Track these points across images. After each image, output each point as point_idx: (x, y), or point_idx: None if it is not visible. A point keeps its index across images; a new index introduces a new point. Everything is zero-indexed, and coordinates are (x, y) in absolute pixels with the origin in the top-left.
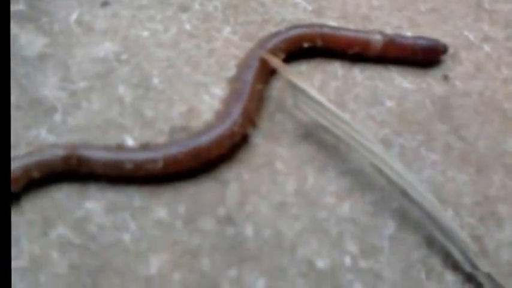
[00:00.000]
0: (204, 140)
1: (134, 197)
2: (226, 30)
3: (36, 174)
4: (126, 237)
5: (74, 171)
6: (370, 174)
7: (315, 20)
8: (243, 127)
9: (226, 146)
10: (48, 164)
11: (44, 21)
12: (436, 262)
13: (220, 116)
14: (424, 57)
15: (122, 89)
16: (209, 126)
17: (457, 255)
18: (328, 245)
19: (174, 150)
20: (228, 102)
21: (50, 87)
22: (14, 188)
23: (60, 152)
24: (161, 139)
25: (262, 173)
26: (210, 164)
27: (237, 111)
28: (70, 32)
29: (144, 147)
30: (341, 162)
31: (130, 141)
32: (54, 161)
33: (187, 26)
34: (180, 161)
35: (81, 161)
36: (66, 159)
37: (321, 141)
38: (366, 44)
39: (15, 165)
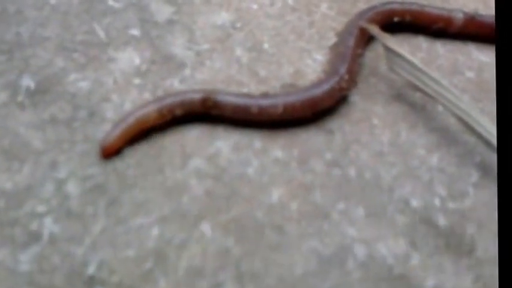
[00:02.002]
0: (318, 91)
1: (255, 139)
2: (324, 6)
3: (179, 112)
4: (250, 171)
5: (208, 112)
6: (455, 131)
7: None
8: (348, 83)
9: (336, 98)
10: (189, 104)
11: None
12: None
13: (329, 73)
14: None
15: (238, 51)
16: (320, 81)
17: None
18: (421, 188)
19: (292, 99)
20: (334, 63)
21: (178, 47)
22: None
23: (199, 95)
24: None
25: (361, 126)
26: (320, 114)
27: (343, 70)
28: (191, 3)
29: (265, 95)
30: (429, 120)
31: None
32: (194, 102)
33: (290, 1)
34: (297, 108)
35: (216, 103)
36: (203, 101)
37: (412, 101)
38: (448, 20)
39: (162, 104)
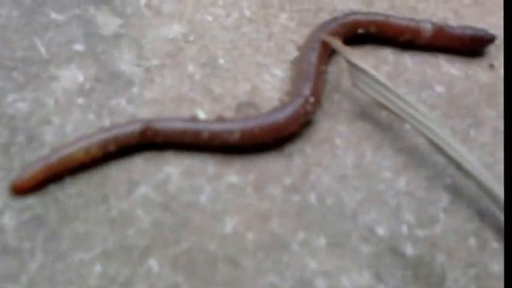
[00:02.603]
0: (281, 116)
1: (208, 163)
2: (283, 16)
3: (112, 148)
4: (202, 199)
5: (152, 141)
6: (424, 152)
7: (365, 9)
8: (313, 106)
9: (300, 123)
10: (125, 137)
11: (117, 4)
12: (488, 235)
13: (292, 94)
14: (472, 46)
15: (191, 67)
16: (283, 105)
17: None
18: (387, 214)
19: (251, 124)
20: (297, 82)
21: (126, 63)
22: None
23: (136, 127)
24: (229, 113)
25: (322, 147)
26: (283, 139)
27: (307, 91)
28: (141, 15)
29: (220, 120)
30: (396, 140)
31: (201, 114)
32: (132, 135)
33: (247, 12)
34: (257, 134)
35: (158, 132)
36: (143, 132)
37: (377, 119)
38: (416, 32)
39: (91, 141)
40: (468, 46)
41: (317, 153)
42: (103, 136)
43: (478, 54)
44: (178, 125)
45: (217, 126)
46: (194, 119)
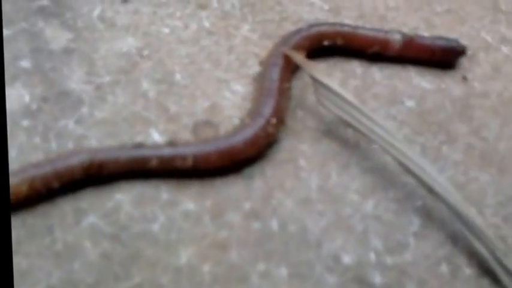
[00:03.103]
0: (239, 140)
1: (162, 189)
2: (245, 28)
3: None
4: (155, 228)
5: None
6: (393, 172)
7: (332, 19)
8: (275, 127)
9: (261, 147)
10: (66, 174)
11: (67, 17)
12: (461, 260)
13: (253, 115)
14: (443, 58)
15: (145, 84)
16: (242, 127)
17: (484, 253)
18: (353, 241)
19: (207, 149)
20: (258, 101)
21: (76, 81)
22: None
23: (78, 161)
24: (186, 133)
25: (285, 168)
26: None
27: (269, 111)
28: (93, 28)
29: (172, 144)
30: (363, 160)
31: (155, 135)
32: (74, 171)
33: (206, 24)
34: (213, 160)
35: (103, 165)
36: (86, 168)
37: (343, 137)
38: (385, 43)
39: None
40: (439, 58)
41: (279, 175)
42: (44, 171)
43: (450, 66)
44: (124, 155)
45: (168, 152)
46: (140, 145)
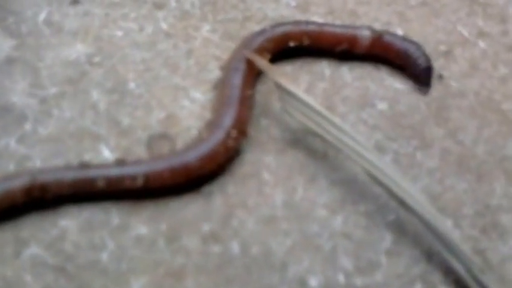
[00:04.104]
0: (195, 156)
1: (112, 213)
2: (205, 28)
3: None
4: (104, 257)
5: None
6: (363, 184)
7: (299, 16)
8: (236, 140)
9: (219, 162)
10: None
11: (10, 22)
12: (436, 278)
13: (211, 126)
14: (405, 65)
15: (95, 95)
16: (200, 141)
17: (460, 270)
18: (321, 261)
19: (159, 167)
20: (218, 111)
21: (18, 94)
22: None
23: (19, 184)
24: (140, 148)
25: (248, 184)
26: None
27: (229, 122)
28: (38, 33)
29: (120, 163)
30: (332, 171)
31: (106, 151)
32: (13, 195)
33: (164, 25)
34: (166, 178)
35: (46, 187)
36: (28, 191)
37: (310, 148)
38: (353, 40)
39: None
40: (402, 63)
41: (241, 192)
42: None
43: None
44: (69, 175)
45: (116, 172)
46: (86, 164)
